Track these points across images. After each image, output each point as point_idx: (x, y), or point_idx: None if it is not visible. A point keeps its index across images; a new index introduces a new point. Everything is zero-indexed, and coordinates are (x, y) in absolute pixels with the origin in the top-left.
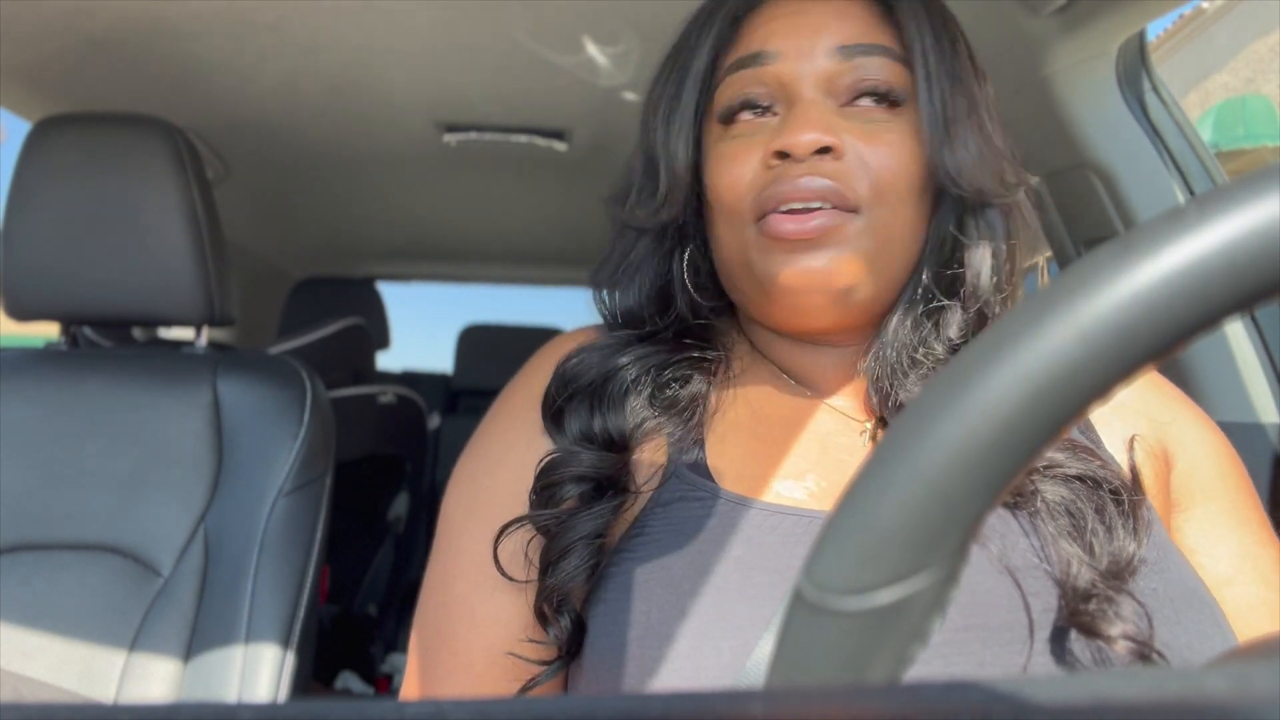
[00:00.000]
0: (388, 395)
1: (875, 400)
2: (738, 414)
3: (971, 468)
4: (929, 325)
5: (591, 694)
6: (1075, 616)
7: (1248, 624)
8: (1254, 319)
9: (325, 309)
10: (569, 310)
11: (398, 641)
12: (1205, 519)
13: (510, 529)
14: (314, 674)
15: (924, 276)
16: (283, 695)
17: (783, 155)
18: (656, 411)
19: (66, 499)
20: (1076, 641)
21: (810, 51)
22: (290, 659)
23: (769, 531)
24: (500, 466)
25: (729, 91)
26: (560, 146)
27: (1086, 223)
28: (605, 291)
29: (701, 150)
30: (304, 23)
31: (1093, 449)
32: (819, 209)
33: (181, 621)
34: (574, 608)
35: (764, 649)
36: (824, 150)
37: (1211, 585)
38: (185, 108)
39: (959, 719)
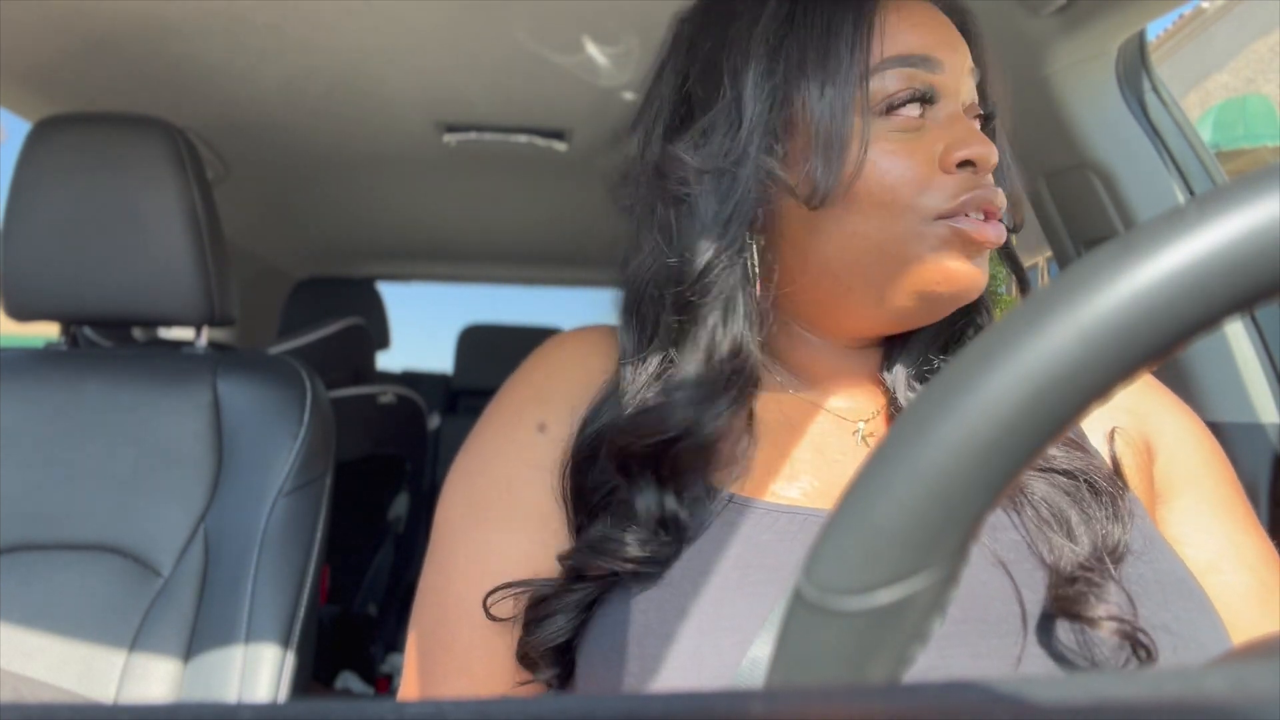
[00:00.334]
0: (388, 395)
1: (894, 409)
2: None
3: (971, 468)
4: (948, 334)
5: (591, 693)
6: (1060, 601)
7: (1234, 611)
8: (1254, 319)
9: (325, 309)
10: (569, 310)
11: (398, 641)
12: (1189, 508)
13: (502, 593)
14: (314, 674)
15: None
16: (283, 695)
17: (966, 164)
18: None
19: (66, 499)
20: (1067, 629)
21: (962, 69)
22: (290, 659)
23: (766, 530)
24: (496, 466)
25: (893, 83)
26: (560, 146)
27: (1086, 223)
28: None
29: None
30: (304, 23)
31: (1078, 442)
32: (1000, 221)
33: (181, 621)
34: (557, 659)
35: (762, 647)
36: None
37: (1197, 573)
38: (185, 108)
39: (959, 719)
